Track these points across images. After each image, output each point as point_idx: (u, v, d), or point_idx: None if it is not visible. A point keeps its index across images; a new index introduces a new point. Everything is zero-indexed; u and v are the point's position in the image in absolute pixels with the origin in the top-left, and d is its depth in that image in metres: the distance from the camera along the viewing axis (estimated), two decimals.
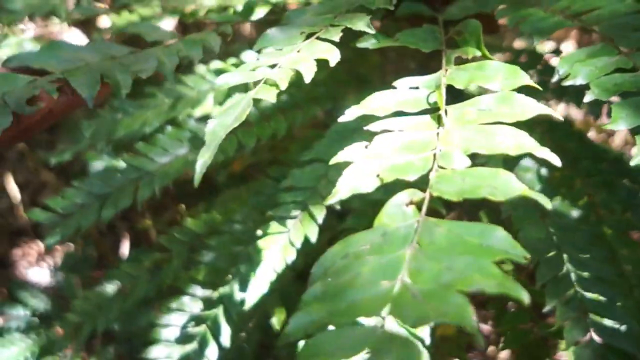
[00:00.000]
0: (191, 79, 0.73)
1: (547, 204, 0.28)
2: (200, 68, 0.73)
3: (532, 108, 0.34)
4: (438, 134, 0.35)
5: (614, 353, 0.55)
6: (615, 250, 0.62)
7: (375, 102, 0.39)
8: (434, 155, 0.33)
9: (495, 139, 0.33)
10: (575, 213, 0.62)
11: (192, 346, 0.69)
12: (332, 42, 0.44)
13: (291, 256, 0.57)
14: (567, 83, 0.40)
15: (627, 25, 0.44)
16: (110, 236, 1.79)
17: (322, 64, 0.42)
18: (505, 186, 0.28)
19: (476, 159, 0.33)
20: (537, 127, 0.63)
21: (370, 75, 0.74)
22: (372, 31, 0.44)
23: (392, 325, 0.25)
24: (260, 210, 0.71)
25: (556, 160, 0.31)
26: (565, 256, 0.59)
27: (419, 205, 0.30)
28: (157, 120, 0.68)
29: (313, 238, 0.57)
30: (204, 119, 0.72)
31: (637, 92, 0.38)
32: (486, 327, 1.25)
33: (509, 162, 0.64)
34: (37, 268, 1.81)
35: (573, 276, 0.57)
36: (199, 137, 0.69)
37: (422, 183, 0.32)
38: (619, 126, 0.36)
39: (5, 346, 0.99)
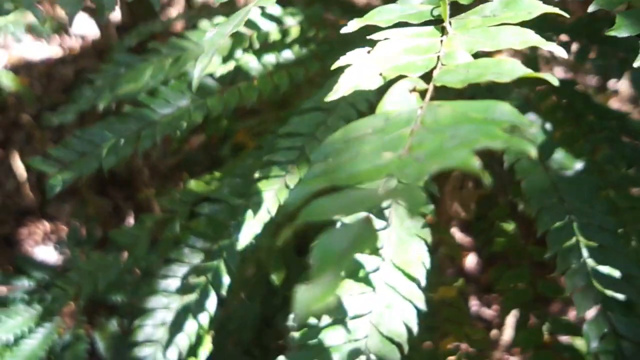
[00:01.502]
0: (194, 34, 0.71)
1: (563, 53, 0.26)
2: (204, 23, 0.72)
3: (538, 8, 0.32)
4: (442, 40, 0.34)
5: (614, 300, 0.53)
6: (616, 203, 0.61)
7: (379, 16, 0.37)
8: (438, 56, 0.32)
9: (500, 38, 0.32)
10: (578, 166, 0.61)
11: (192, 297, 0.67)
12: None
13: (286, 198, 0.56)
14: None
15: None
16: (115, 216, 1.78)
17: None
18: (510, 70, 0.27)
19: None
20: (543, 85, 0.62)
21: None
22: None
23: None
24: (262, 162, 0.69)
25: (562, 52, 0.30)
26: (567, 206, 0.57)
27: (422, 94, 0.29)
28: (161, 74, 0.67)
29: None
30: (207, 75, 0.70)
31: None
32: (489, 312, 1.23)
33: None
34: (42, 247, 1.80)
35: (575, 226, 0.56)
36: (201, 89, 0.67)
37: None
38: (622, 33, 0.34)
39: (10, 316, 0.98)
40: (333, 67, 0.35)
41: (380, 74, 0.31)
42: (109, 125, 0.65)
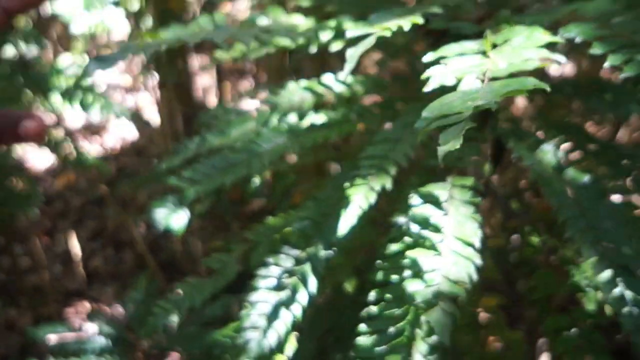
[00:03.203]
0: (283, 92, 0.98)
1: (563, 59, 0.51)
2: (291, 84, 0.99)
3: (544, 39, 0.58)
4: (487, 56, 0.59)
5: (627, 271, 0.73)
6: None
7: (446, 51, 0.63)
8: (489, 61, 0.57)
9: (524, 55, 0.57)
10: (585, 179, 0.84)
11: (285, 293, 0.88)
12: None
13: (372, 198, 0.79)
14: None
15: None
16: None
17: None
18: (531, 82, 0.51)
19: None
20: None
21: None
22: None
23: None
24: (339, 189, 0.93)
25: (563, 59, 0.55)
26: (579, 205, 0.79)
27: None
28: (262, 121, 0.93)
29: (388, 185, 0.79)
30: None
31: None
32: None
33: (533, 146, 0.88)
34: (90, 324, 1.97)
35: (589, 216, 0.77)
36: (294, 131, 0.93)
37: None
38: None
39: None
40: (423, 76, 0.60)
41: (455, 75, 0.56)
42: (226, 156, 0.89)
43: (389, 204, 0.95)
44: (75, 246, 2.08)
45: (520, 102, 2.57)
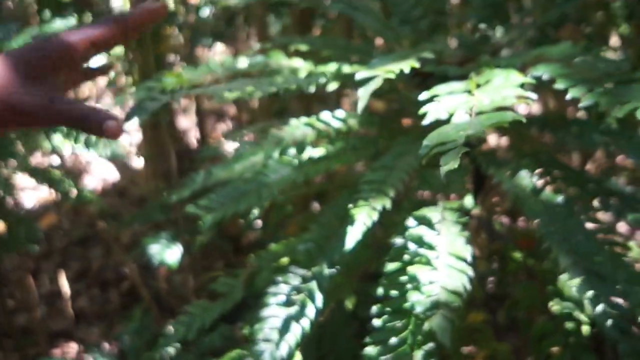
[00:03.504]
0: (287, 128, 1.10)
1: (534, 97, 0.64)
2: (293, 121, 1.11)
3: (519, 80, 0.71)
4: (473, 95, 0.72)
5: (598, 276, 0.85)
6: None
7: (439, 90, 0.76)
8: (473, 99, 0.70)
9: (504, 93, 0.70)
10: (559, 199, 0.96)
11: (294, 308, 0.97)
12: None
13: (374, 216, 0.90)
14: None
15: None
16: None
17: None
18: (509, 115, 0.64)
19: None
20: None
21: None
22: None
23: None
24: (339, 215, 1.04)
25: (534, 96, 0.68)
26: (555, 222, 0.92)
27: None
28: (269, 153, 1.04)
29: (388, 205, 0.91)
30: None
31: None
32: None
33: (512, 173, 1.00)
34: (86, 356, 2.01)
35: (563, 230, 0.90)
36: (300, 164, 1.05)
37: None
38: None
39: None
40: (421, 111, 0.72)
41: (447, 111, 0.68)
42: (237, 186, 1.00)
43: (383, 230, 1.06)
44: (64, 285, 2.13)
45: (492, 138, 2.75)
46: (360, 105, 0.74)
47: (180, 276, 2.36)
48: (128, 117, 0.88)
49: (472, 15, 1.31)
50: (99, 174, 3.45)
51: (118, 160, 3.59)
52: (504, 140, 2.64)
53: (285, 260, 1.14)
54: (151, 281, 2.52)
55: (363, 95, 0.74)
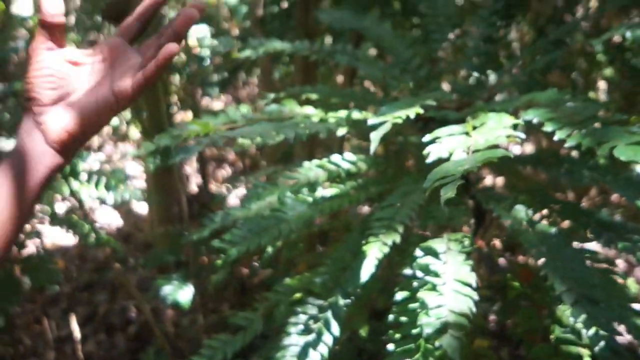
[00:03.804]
0: (301, 169, 1.21)
1: (523, 136, 0.75)
2: (306, 163, 1.22)
3: (510, 122, 0.82)
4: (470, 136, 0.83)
5: (591, 301, 0.94)
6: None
7: (441, 132, 0.87)
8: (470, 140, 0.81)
9: (497, 133, 0.81)
10: (553, 230, 1.06)
11: (312, 336, 1.06)
12: None
13: (385, 250, 0.99)
14: None
15: None
16: None
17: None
18: (501, 152, 0.75)
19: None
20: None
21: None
22: None
23: None
24: (351, 250, 1.14)
25: (522, 135, 0.79)
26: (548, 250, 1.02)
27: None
28: (285, 192, 1.15)
29: (397, 240, 1.01)
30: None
31: None
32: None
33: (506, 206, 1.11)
34: None
35: (558, 258, 0.99)
36: (315, 202, 1.15)
37: None
38: None
39: None
40: (425, 151, 0.83)
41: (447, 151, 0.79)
42: (258, 222, 1.10)
43: (389, 267, 1.16)
44: (75, 330, 2.19)
45: (489, 178, 2.87)
46: (373, 148, 0.85)
47: (188, 318, 2.42)
48: (173, 158, 0.98)
49: (465, 63, 1.44)
50: (103, 220, 3.54)
51: (122, 206, 3.68)
52: (500, 180, 2.76)
53: (299, 295, 1.22)
54: (159, 324, 2.58)
55: (375, 138, 0.85)
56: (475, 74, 1.41)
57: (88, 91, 0.63)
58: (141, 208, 3.62)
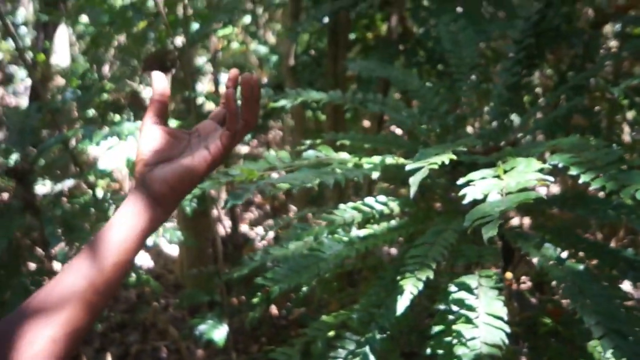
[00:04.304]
0: (337, 211, 1.29)
1: (551, 179, 0.82)
2: (342, 205, 1.30)
3: (538, 166, 0.90)
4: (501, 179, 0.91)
5: (619, 334, 0.99)
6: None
7: (473, 176, 0.95)
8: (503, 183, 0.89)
9: (527, 177, 0.88)
10: (580, 267, 1.12)
11: None
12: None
13: (420, 286, 1.06)
14: None
15: None
16: None
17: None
18: (531, 195, 0.82)
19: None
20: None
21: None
22: None
23: None
24: (386, 287, 1.20)
25: (551, 179, 0.86)
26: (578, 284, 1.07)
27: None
28: (323, 233, 1.23)
29: (431, 276, 1.07)
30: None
31: None
32: None
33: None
34: None
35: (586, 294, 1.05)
36: (350, 241, 1.22)
37: None
38: None
39: None
40: (461, 193, 0.90)
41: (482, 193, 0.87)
42: (298, 260, 1.18)
43: (419, 305, 1.22)
44: None
45: (515, 219, 2.92)
46: (413, 191, 0.93)
47: (220, 358, 2.48)
48: (226, 204, 1.07)
49: (491, 110, 1.53)
50: (137, 262, 3.63)
51: (153, 248, 3.78)
52: (527, 220, 2.80)
53: (332, 332, 1.29)
54: None
55: (414, 182, 0.93)
56: (500, 119, 1.50)
57: (185, 154, 0.74)
58: (171, 249, 3.72)
